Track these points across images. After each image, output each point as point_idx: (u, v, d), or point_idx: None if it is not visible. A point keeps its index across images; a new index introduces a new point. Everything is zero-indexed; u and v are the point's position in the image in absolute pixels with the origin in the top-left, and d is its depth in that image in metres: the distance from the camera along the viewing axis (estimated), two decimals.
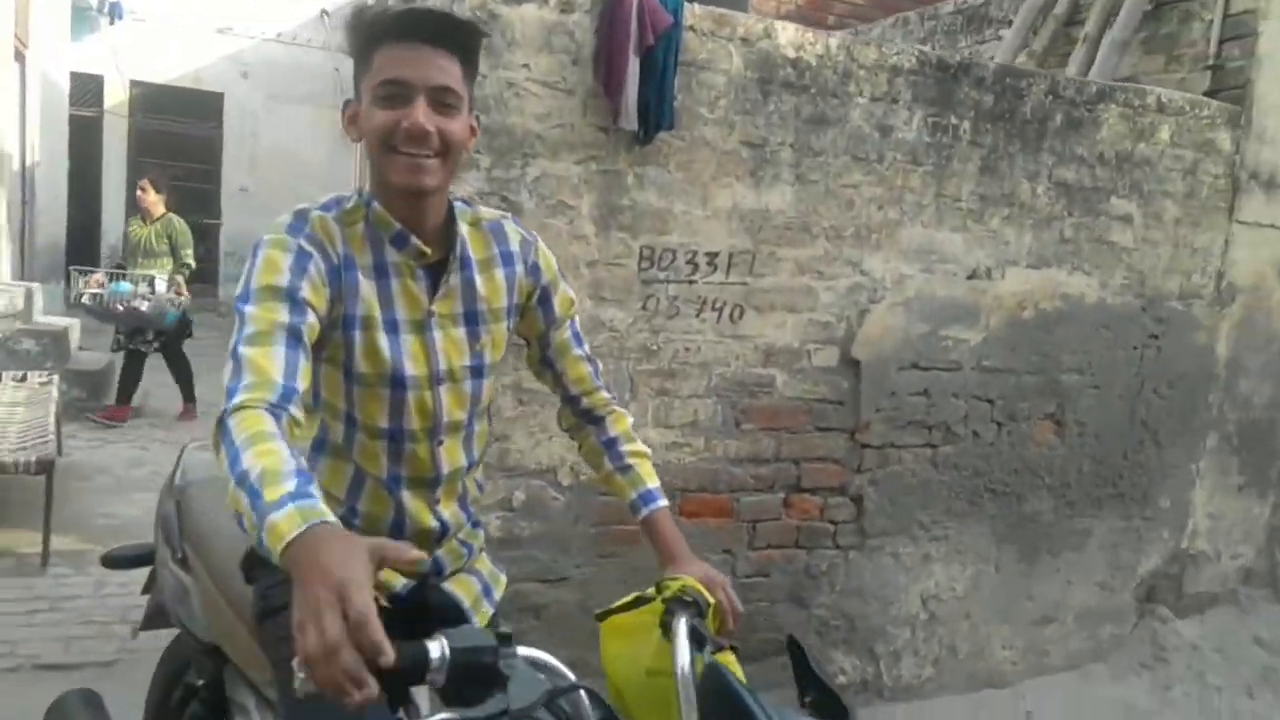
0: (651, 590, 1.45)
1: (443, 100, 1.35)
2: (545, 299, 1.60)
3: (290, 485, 1.05)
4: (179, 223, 6.75)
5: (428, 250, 1.45)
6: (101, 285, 6.47)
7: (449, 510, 1.55)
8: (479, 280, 1.50)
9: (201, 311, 10.81)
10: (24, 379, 5.31)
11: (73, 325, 7.31)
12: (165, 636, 2.11)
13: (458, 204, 1.52)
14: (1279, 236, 3.85)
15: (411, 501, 1.51)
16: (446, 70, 1.36)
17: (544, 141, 2.69)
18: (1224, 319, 3.81)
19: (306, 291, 1.31)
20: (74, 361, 6.86)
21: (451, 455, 1.52)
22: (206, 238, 11.50)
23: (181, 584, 1.88)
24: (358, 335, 1.41)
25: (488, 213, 1.57)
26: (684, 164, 2.86)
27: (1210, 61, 3.81)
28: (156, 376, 7.46)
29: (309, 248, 1.35)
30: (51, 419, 4.62)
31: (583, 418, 1.67)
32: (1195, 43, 3.91)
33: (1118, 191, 3.52)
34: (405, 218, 1.42)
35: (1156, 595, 3.87)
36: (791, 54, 2.94)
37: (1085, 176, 3.45)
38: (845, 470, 3.22)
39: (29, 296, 7.10)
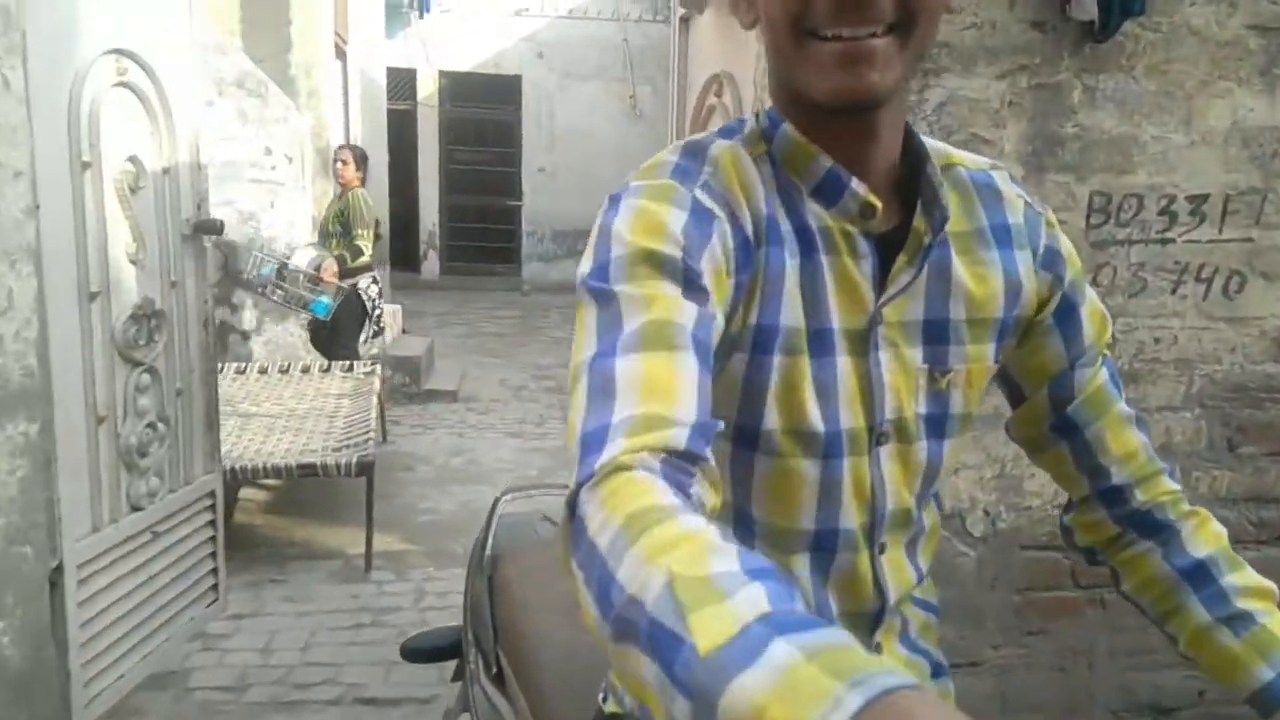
0: None
1: None
2: (1068, 313, 0.87)
3: (758, 604, 0.45)
4: (356, 198, 5.38)
5: (876, 203, 0.77)
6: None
7: (890, 655, 0.86)
8: (959, 268, 0.82)
9: (504, 291, 11.09)
10: (351, 368, 5.32)
11: (396, 311, 7.49)
12: None
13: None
14: None
15: None
16: None
17: (952, 50, 1.88)
18: None
19: (709, 277, 0.69)
20: (396, 348, 6.99)
21: (897, 569, 0.85)
22: (510, 219, 11.76)
23: (498, 713, 1.32)
24: (777, 363, 0.76)
25: (966, 156, 0.87)
26: (1158, 67, 1.93)
27: None
28: (472, 359, 7.51)
29: (711, 204, 0.73)
30: (374, 412, 4.50)
31: (1133, 525, 0.88)
32: None
33: None
34: (836, 154, 0.77)
35: None
36: None
37: None
38: None
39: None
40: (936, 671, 0.92)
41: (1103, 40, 1.88)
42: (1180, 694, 2.11)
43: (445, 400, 6.42)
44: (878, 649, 0.85)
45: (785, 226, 0.77)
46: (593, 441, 0.61)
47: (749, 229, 0.75)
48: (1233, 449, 2.08)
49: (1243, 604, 0.81)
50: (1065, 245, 0.87)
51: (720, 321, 0.70)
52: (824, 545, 0.81)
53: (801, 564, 0.82)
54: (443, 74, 11.47)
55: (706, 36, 2.94)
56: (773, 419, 0.77)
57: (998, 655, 2.09)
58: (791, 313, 0.76)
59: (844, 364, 0.78)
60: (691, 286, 0.68)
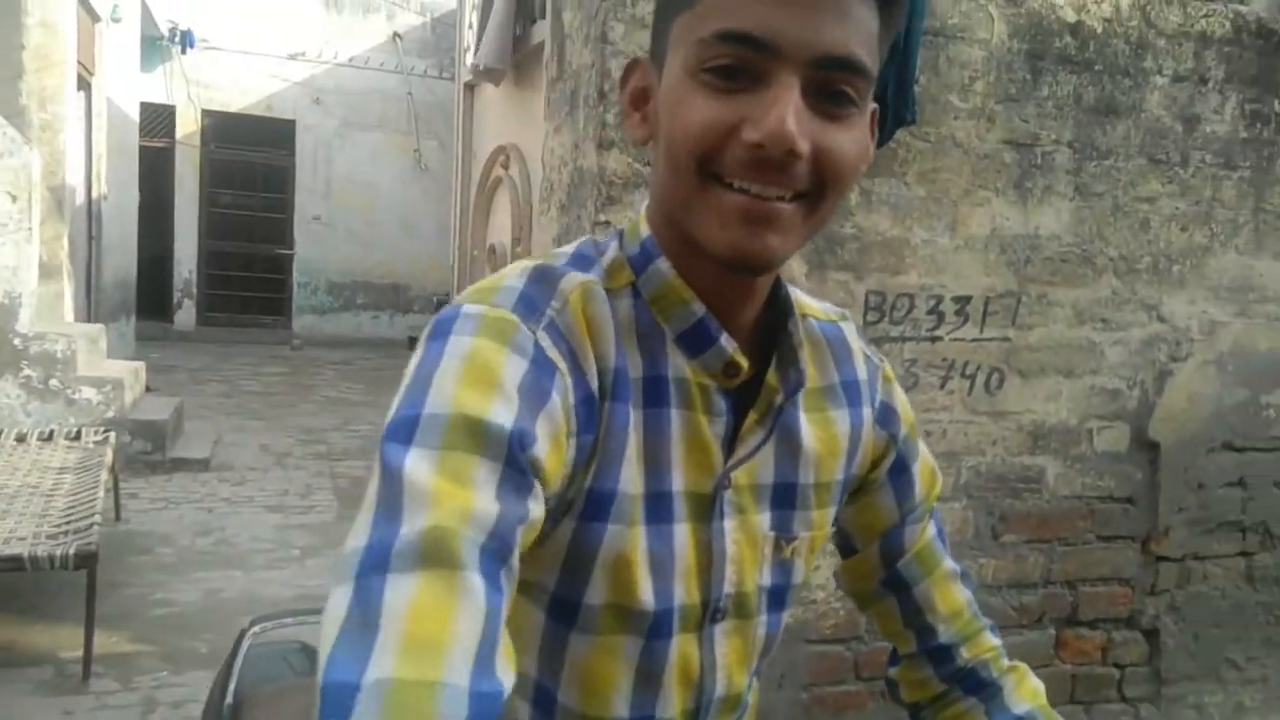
0: None
1: (832, 87, 0.62)
2: (901, 470, 0.84)
3: None
4: None
5: (742, 362, 0.70)
6: None
7: None
8: (807, 428, 0.75)
9: (272, 345, 10.39)
10: (78, 436, 4.70)
11: (139, 368, 6.76)
12: None
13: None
14: None
15: None
16: (856, 23, 0.62)
17: None
18: None
19: (541, 446, 0.58)
20: (138, 410, 6.29)
21: (739, 650, 0.76)
22: (280, 268, 11.07)
23: None
24: (609, 532, 0.66)
25: (815, 306, 0.81)
26: (927, 174, 2.02)
27: None
28: (230, 421, 6.90)
29: (554, 353, 0.62)
30: (101, 490, 3.96)
31: (959, 683, 0.86)
32: None
33: None
34: (708, 301, 0.69)
35: None
36: (1071, 16, 2.09)
37: None
38: (1135, 593, 2.33)
39: (92, 339, 6.58)
40: None
41: (879, 146, 1.93)
42: None
43: (194, 470, 5.81)
44: None
45: (635, 375, 0.68)
46: (340, 695, 0.47)
47: (594, 383, 0.64)
48: (995, 537, 2.18)
49: None
50: (899, 399, 0.84)
51: (539, 510, 0.58)
52: None
53: None
54: (206, 113, 10.71)
55: (494, 105, 2.86)
56: (597, 593, 0.67)
57: None
58: (631, 476, 0.66)
59: (683, 532, 0.69)
60: (513, 468, 0.56)
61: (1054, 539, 2.23)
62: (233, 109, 10.73)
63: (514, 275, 0.66)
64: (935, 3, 1.95)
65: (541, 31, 2.35)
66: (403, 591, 0.50)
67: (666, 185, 0.66)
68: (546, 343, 0.62)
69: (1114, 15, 2.13)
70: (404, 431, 0.55)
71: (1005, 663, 0.86)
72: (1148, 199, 2.21)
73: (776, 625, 0.77)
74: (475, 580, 0.51)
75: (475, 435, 0.55)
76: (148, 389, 6.88)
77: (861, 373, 0.80)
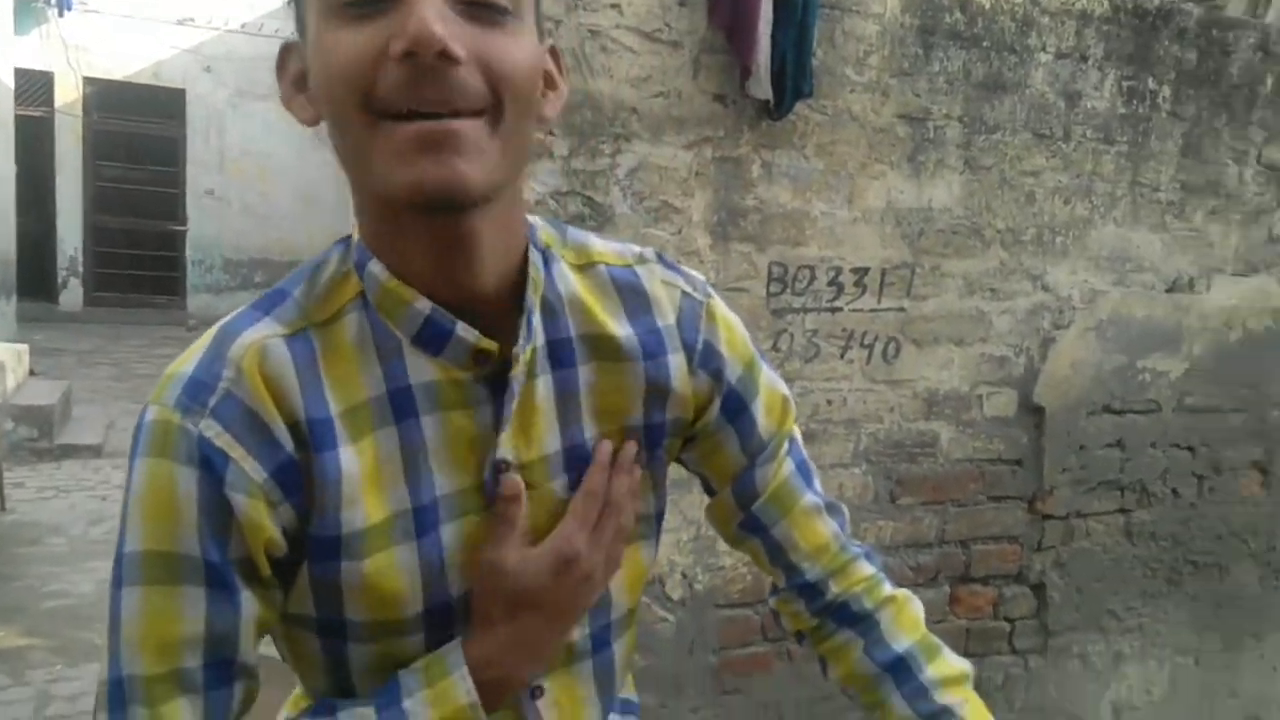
0: None
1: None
2: (738, 411, 0.81)
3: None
4: None
5: (490, 347, 0.68)
6: None
7: None
8: (587, 381, 0.74)
9: (166, 326, 9.97)
10: None
11: (21, 350, 6.41)
12: None
13: (542, 227, 0.76)
14: None
15: None
16: None
17: (641, 117, 1.88)
18: None
19: (237, 547, 0.63)
20: (21, 395, 5.96)
21: (566, 709, 0.78)
22: (172, 245, 10.62)
23: None
24: (344, 569, 0.66)
25: (610, 251, 0.79)
26: (825, 147, 2.06)
27: None
28: (122, 405, 6.61)
29: (225, 445, 0.62)
30: None
31: (832, 616, 0.85)
32: None
33: None
34: (438, 280, 0.67)
35: None
36: None
37: None
38: (1023, 550, 2.44)
39: None
40: None
41: (778, 118, 1.97)
42: None
43: (85, 456, 5.57)
44: None
45: (360, 396, 0.66)
46: None
47: (287, 445, 0.64)
48: (893, 500, 2.25)
49: (941, 698, 0.80)
50: (727, 338, 0.80)
51: (259, 598, 0.65)
52: None
53: None
54: (88, 80, 10.14)
55: None
56: (356, 612, 0.68)
57: (697, 718, 2.10)
58: (358, 514, 0.66)
59: (455, 530, 0.69)
60: (216, 585, 0.63)
61: (948, 501, 2.32)
62: (116, 76, 10.19)
63: (193, 355, 0.65)
64: None
65: None
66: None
67: (348, 153, 0.63)
68: (215, 431, 0.62)
69: None
70: (116, 571, 0.63)
71: (884, 591, 0.85)
72: (1033, 173, 2.30)
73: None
74: (195, 698, 0.63)
75: (171, 568, 0.61)
76: (31, 373, 6.54)
77: (666, 318, 0.77)
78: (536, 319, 0.72)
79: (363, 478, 0.66)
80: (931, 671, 0.81)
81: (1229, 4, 3.49)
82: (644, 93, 1.87)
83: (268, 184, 10.68)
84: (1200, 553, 2.70)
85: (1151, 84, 2.42)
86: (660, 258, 0.81)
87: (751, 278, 2.03)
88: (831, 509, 0.86)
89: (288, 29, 8.22)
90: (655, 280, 0.78)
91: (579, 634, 0.77)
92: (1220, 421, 2.67)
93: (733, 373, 0.80)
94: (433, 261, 0.66)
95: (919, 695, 0.80)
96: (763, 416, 0.82)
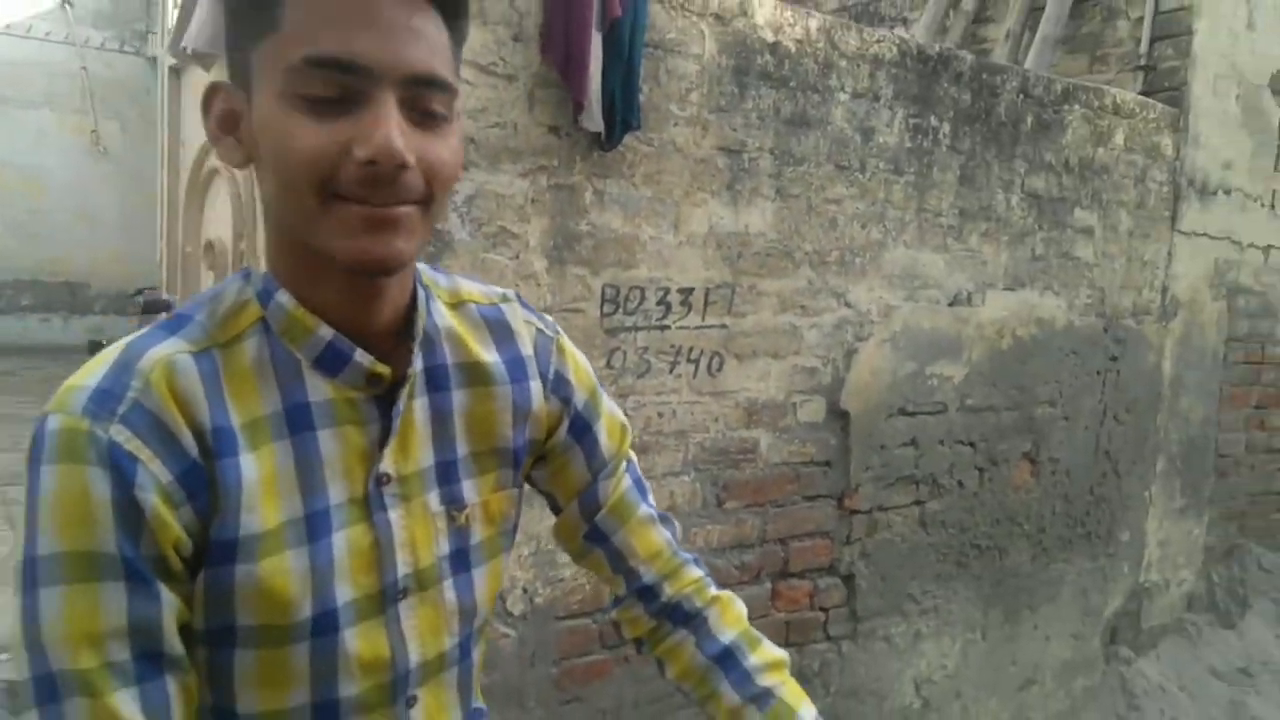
0: None
1: (425, 102, 0.70)
2: (583, 431, 0.92)
3: None
4: None
5: (384, 371, 0.77)
6: None
7: None
8: (460, 404, 0.84)
9: None
10: None
11: None
12: None
13: (424, 270, 0.85)
14: (1212, 246, 3.68)
15: None
16: (431, 42, 0.70)
17: (479, 146, 1.94)
18: (1168, 335, 3.59)
19: (149, 544, 0.67)
20: None
21: (436, 715, 0.83)
22: None
23: None
24: (239, 571, 0.71)
25: (477, 291, 0.89)
26: (653, 176, 2.19)
27: (1142, 61, 3.57)
28: None
29: (134, 444, 0.66)
30: None
31: (667, 617, 0.95)
32: (1122, 41, 3.68)
33: (1080, 202, 3.18)
34: (343, 313, 0.75)
35: (1118, 635, 3.60)
36: (770, 37, 2.34)
37: (1053, 185, 3.09)
38: (834, 544, 2.66)
39: None
40: None
41: (609, 149, 2.08)
42: None
43: None
44: None
45: (259, 411, 0.72)
46: None
47: (193, 450, 0.69)
48: (720, 505, 2.41)
49: (763, 681, 0.90)
50: (574, 367, 0.92)
51: (177, 590, 0.68)
52: (326, 717, 0.76)
53: None
54: None
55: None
56: (246, 617, 0.72)
57: None
58: (255, 519, 0.71)
59: (344, 539, 0.75)
60: (135, 578, 0.65)
61: (767, 502, 2.50)
62: None
63: (97, 368, 0.69)
64: (655, 17, 2.11)
65: None
66: (79, 711, 0.63)
67: (283, 208, 0.70)
68: (124, 436, 0.66)
69: (805, 37, 2.41)
70: (29, 573, 0.64)
71: (711, 592, 0.95)
72: (835, 200, 2.53)
73: (467, 585, 0.83)
74: (134, 690, 0.65)
75: (90, 566, 0.64)
76: None
77: (526, 348, 0.88)
78: (439, 332, 0.81)
79: (261, 485, 0.71)
80: (754, 659, 0.92)
81: (994, 51, 3.94)
82: (481, 123, 1.93)
83: (38, 199, 9.78)
84: (982, 537, 3.03)
85: (934, 121, 2.72)
86: (519, 299, 0.92)
87: (586, 299, 2.12)
88: (664, 520, 0.97)
89: (60, 32, 7.57)
90: (517, 317, 0.89)
91: (450, 643, 0.82)
92: (995, 419, 3.01)
93: (579, 399, 0.91)
94: (345, 302, 0.74)
95: (744, 680, 0.90)
96: (605, 438, 0.93)
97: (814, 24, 2.43)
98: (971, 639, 3.05)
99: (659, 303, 2.23)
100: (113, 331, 9.65)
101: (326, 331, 0.73)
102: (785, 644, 2.58)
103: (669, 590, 0.94)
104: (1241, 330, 3.87)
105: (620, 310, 2.18)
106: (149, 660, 0.66)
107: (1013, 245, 2.99)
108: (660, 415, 2.28)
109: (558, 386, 0.89)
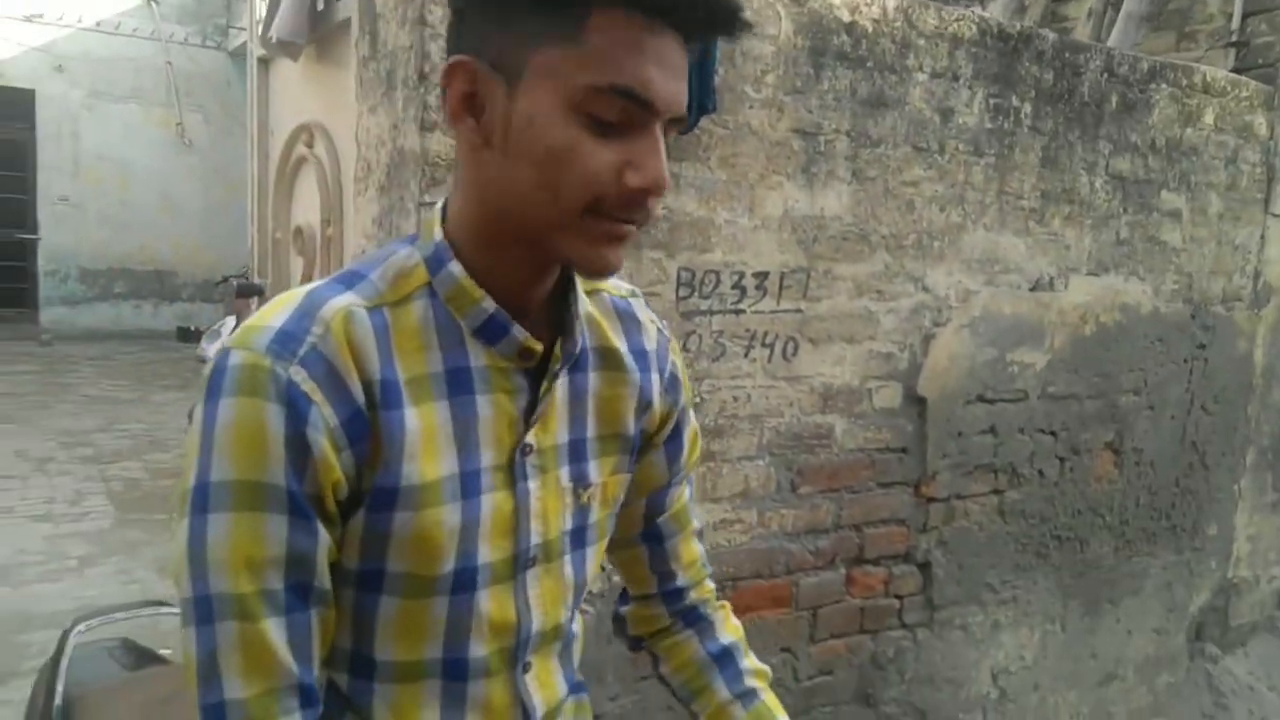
0: None
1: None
2: (676, 435, 0.97)
3: None
4: None
5: (536, 346, 0.80)
6: None
7: None
8: (595, 386, 0.87)
9: (17, 340, 9.36)
10: None
11: None
12: None
13: None
14: None
15: None
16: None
17: None
18: (1260, 322, 3.46)
19: (312, 483, 0.71)
20: None
21: (545, 685, 0.88)
22: (22, 255, 9.97)
23: None
24: (398, 519, 0.75)
25: (610, 283, 0.93)
26: (728, 159, 2.19)
27: (1234, 38, 3.44)
28: None
29: (310, 385, 0.70)
30: None
31: (681, 617, 1.04)
32: (1212, 17, 3.55)
33: (1168, 184, 3.08)
34: (509, 289, 0.79)
35: (1204, 632, 3.49)
36: (846, 16, 2.32)
37: (1139, 167, 2.99)
38: (910, 532, 2.63)
39: None
40: None
41: (684, 132, 2.08)
42: None
43: None
44: None
45: (422, 369, 0.76)
46: (216, 714, 0.69)
47: (360, 398, 0.72)
48: (794, 490, 2.40)
49: (751, 683, 1.01)
50: (683, 374, 0.97)
51: (329, 530, 0.72)
52: (454, 675, 0.81)
53: (430, 692, 0.80)
54: None
55: (292, 81, 2.75)
56: (396, 565, 0.76)
57: (616, 706, 2.18)
58: (415, 469, 0.74)
59: (490, 501, 0.79)
60: (297, 513, 0.69)
61: (842, 488, 2.48)
62: None
63: (279, 311, 0.73)
64: None
65: (347, 8, 2.32)
66: (230, 633, 0.68)
67: (527, 205, 0.73)
68: (301, 376, 0.69)
69: (881, 17, 2.38)
70: (202, 496, 0.68)
71: (717, 602, 1.05)
72: (912, 183, 2.49)
73: (582, 561, 0.88)
74: (283, 619, 0.70)
75: (258, 496, 0.68)
76: None
77: (651, 343, 0.92)
78: (585, 318, 0.85)
79: (422, 438, 0.75)
80: (747, 663, 1.02)
81: (1075, 29, 3.83)
82: None
83: (127, 191, 10.17)
84: (1063, 528, 2.96)
85: (1015, 101, 2.66)
86: (643, 297, 0.97)
87: (662, 282, 2.13)
88: (700, 535, 1.05)
89: (146, 29, 7.85)
90: (645, 312, 0.94)
91: (564, 615, 0.87)
92: (1078, 407, 2.94)
93: (682, 402, 0.96)
94: (514, 283, 0.78)
95: (736, 679, 1.01)
96: (688, 446, 0.99)
97: (891, 3, 2.39)
98: (1051, 630, 2.99)
99: (734, 286, 2.23)
100: (199, 319, 10.00)
101: (490, 304, 0.77)
102: (860, 630, 2.56)
103: (692, 595, 1.03)
104: None
105: (695, 294, 2.18)
106: (299, 592, 0.70)
107: (1096, 229, 2.91)
108: (735, 399, 2.28)
109: (671, 386, 0.94)
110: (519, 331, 0.78)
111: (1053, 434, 2.90)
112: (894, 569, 2.62)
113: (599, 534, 0.89)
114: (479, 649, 0.80)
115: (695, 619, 1.03)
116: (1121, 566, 3.16)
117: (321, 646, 0.73)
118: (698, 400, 2.20)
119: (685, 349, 2.17)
